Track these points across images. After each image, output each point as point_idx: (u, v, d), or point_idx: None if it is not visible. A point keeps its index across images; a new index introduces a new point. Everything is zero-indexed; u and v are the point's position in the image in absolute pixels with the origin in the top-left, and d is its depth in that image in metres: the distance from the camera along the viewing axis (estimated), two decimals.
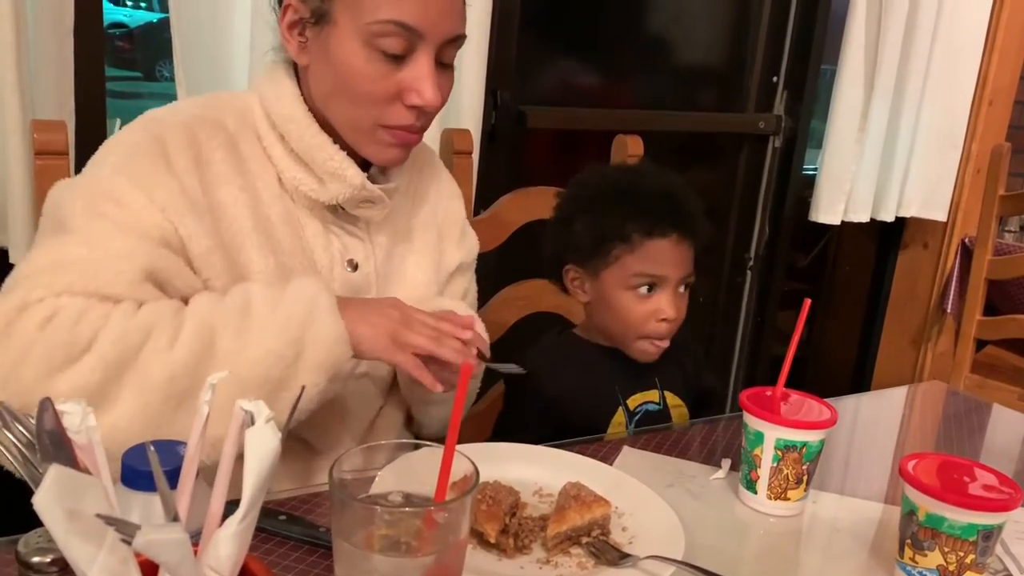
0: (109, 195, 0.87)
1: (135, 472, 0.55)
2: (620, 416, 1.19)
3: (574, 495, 0.85)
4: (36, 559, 0.53)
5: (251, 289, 0.88)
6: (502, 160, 1.88)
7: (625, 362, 1.21)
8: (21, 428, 0.50)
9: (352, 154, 0.98)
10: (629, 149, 1.68)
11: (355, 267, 1.03)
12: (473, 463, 0.63)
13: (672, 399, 1.24)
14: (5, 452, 0.50)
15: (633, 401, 1.21)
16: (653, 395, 1.23)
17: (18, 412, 0.51)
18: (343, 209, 1.01)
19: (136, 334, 0.80)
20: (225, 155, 0.95)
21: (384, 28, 0.89)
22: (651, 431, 1.12)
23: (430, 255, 1.12)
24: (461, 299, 1.18)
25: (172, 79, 1.47)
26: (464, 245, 1.19)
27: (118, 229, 0.86)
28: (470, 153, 1.48)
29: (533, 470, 0.94)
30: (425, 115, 0.96)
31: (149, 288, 0.86)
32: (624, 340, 1.21)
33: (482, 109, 1.74)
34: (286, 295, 0.87)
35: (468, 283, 1.21)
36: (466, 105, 1.72)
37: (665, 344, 1.19)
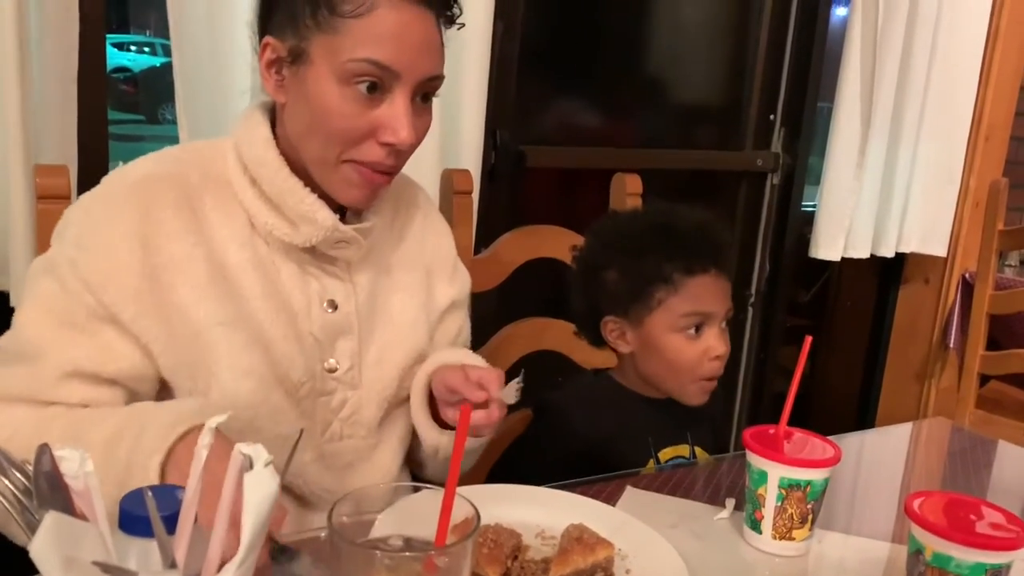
0: (52, 274, 0.91)
1: (133, 517, 0.55)
2: (651, 467, 1.17)
3: (577, 537, 0.84)
4: None
5: (121, 422, 0.85)
6: (502, 199, 1.89)
7: (661, 414, 1.20)
8: (18, 474, 0.49)
9: (325, 196, 0.98)
10: (628, 187, 1.68)
11: (335, 307, 1.02)
12: (474, 506, 0.62)
13: (701, 454, 1.23)
14: (2, 499, 0.49)
15: (665, 454, 1.20)
16: (684, 450, 1.22)
17: (15, 458, 0.51)
18: (320, 250, 1.01)
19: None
20: (176, 212, 0.94)
21: (360, 67, 0.90)
22: (652, 471, 1.11)
23: (417, 295, 1.11)
24: (455, 338, 1.18)
25: (175, 122, 1.48)
26: (456, 282, 1.18)
27: (49, 316, 0.90)
28: (470, 192, 1.49)
29: (535, 512, 0.93)
30: (398, 154, 0.96)
31: (74, 385, 0.89)
32: (678, 386, 1.19)
33: (482, 149, 1.75)
34: (122, 445, 0.82)
35: (462, 321, 1.20)
36: (466, 145, 1.73)
37: (713, 384, 1.19)
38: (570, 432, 1.16)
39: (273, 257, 0.99)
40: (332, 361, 1.02)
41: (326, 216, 0.97)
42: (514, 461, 1.26)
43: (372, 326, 1.06)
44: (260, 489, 0.50)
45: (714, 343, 1.15)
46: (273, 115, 1.00)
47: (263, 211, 0.97)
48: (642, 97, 2.33)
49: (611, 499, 0.99)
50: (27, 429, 0.86)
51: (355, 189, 0.97)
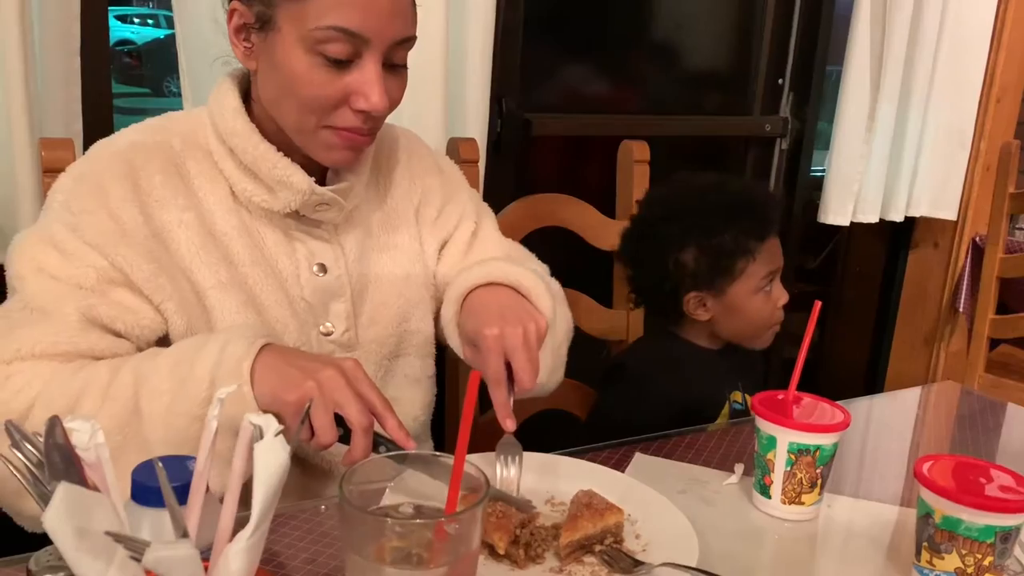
0: (49, 243, 0.90)
1: (145, 488, 0.55)
2: (727, 411, 1.32)
3: (586, 503, 0.84)
4: None
5: (176, 348, 0.86)
6: (508, 168, 1.88)
7: (728, 363, 1.35)
8: (30, 447, 0.50)
9: (303, 158, 0.97)
10: (635, 154, 1.68)
11: (324, 271, 1.02)
12: (484, 473, 0.63)
13: (749, 401, 1.32)
14: (15, 471, 0.50)
15: (734, 397, 1.35)
16: (738, 396, 1.36)
17: (27, 431, 0.51)
18: (303, 214, 1.01)
19: (66, 399, 0.82)
20: (165, 178, 0.95)
21: (327, 34, 0.88)
22: (662, 437, 1.11)
23: (407, 249, 1.10)
24: (468, 247, 1.15)
25: (179, 95, 1.48)
26: (443, 222, 1.15)
27: (56, 282, 0.89)
28: (476, 162, 1.48)
29: (545, 479, 0.94)
30: (373, 118, 0.95)
31: (95, 334, 0.88)
32: (756, 336, 1.34)
33: (487, 117, 1.74)
34: (204, 353, 0.83)
35: (466, 228, 1.16)
36: (471, 114, 1.72)
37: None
38: (657, 392, 1.27)
39: (257, 225, 0.99)
40: (328, 325, 1.03)
41: (301, 179, 0.96)
42: (594, 427, 1.34)
43: (364, 287, 1.06)
44: (271, 459, 0.51)
45: (780, 293, 1.31)
46: (246, 82, 1.00)
47: (242, 179, 0.97)
48: (649, 63, 2.31)
49: (620, 465, 1.00)
50: (63, 376, 0.84)
51: (336, 152, 0.96)
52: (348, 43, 0.89)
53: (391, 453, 0.76)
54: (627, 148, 1.69)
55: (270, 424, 0.52)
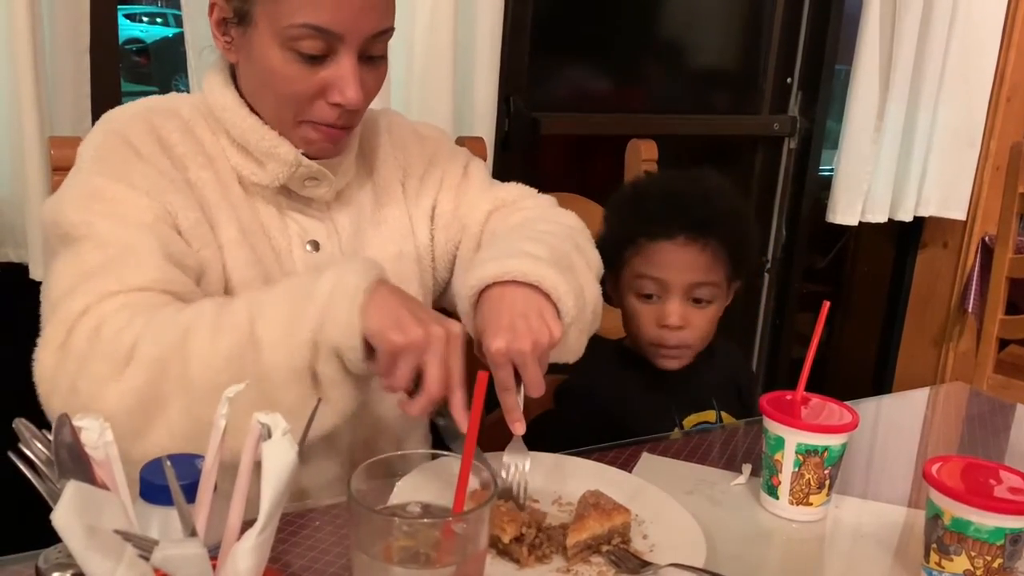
0: (95, 196, 0.89)
1: (153, 486, 0.55)
2: (676, 434, 1.16)
3: (593, 503, 0.84)
4: (56, 574, 0.53)
5: (289, 282, 0.86)
6: (516, 167, 1.87)
7: (683, 381, 1.21)
8: (39, 445, 0.50)
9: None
10: (643, 154, 1.67)
11: (317, 247, 1.03)
12: (492, 472, 0.63)
13: (728, 419, 1.24)
14: (25, 468, 0.50)
15: (689, 421, 1.21)
16: (710, 415, 1.23)
17: (36, 429, 0.51)
18: (293, 190, 1.01)
19: (174, 332, 0.80)
20: (182, 137, 0.97)
21: (300, 32, 0.89)
22: (667, 437, 1.11)
23: (398, 225, 1.10)
24: (485, 206, 1.12)
25: (188, 92, 1.48)
26: (427, 186, 1.13)
27: (118, 223, 0.88)
28: (485, 159, 1.48)
29: (552, 479, 0.94)
30: (349, 112, 0.95)
31: (172, 269, 0.88)
32: (643, 349, 1.20)
33: (495, 117, 1.74)
34: (321, 282, 0.82)
35: (479, 186, 1.14)
36: (479, 113, 1.72)
37: (678, 355, 1.18)
38: (596, 400, 1.17)
39: (252, 200, 1.01)
40: None
41: (287, 151, 0.97)
42: (538, 437, 1.26)
43: None
44: (278, 458, 0.51)
45: (668, 312, 1.15)
46: (231, 69, 1.01)
47: (234, 153, 0.98)
48: (657, 62, 2.30)
49: (627, 465, 1.00)
50: (167, 312, 0.83)
51: (315, 144, 0.98)
52: (321, 40, 0.90)
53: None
54: (635, 147, 1.68)
55: (278, 423, 0.52)
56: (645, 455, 1.04)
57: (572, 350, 0.96)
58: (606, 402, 1.19)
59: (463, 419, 0.77)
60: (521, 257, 0.89)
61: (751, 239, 1.25)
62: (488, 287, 0.89)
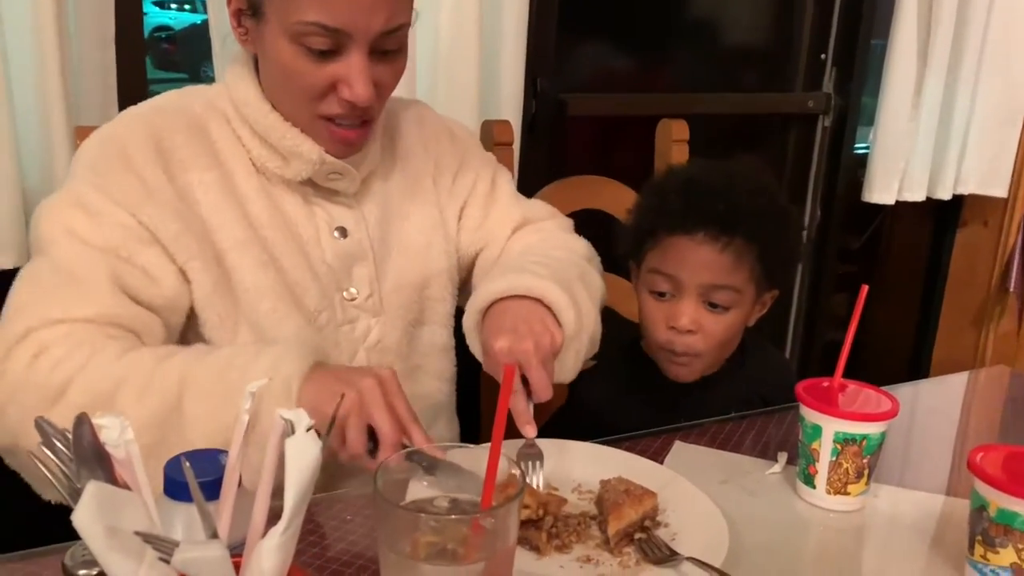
0: (76, 204, 0.91)
1: (177, 483, 0.55)
2: (711, 422, 1.11)
3: (623, 489, 0.83)
4: (82, 572, 0.53)
5: (227, 354, 0.86)
6: (543, 150, 1.85)
7: (690, 395, 1.14)
8: (60, 444, 0.49)
9: None
10: (674, 134, 1.64)
11: (345, 234, 1.03)
12: (519, 466, 0.61)
13: None
14: (44, 468, 0.50)
15: None
16: None
17: (59, 427, 0.51)
18: (318, 183, 1.01)
19: (107, 383, 0.82)
20: (187, 139, 0.97)
21: (308, 29, 0.88)
22: (701, 425, 1.09)
23: (427, 216, 1.10)
24: (511, 222, 1.14)
25: (214, 81, 1.48)
26: (459, 187, 1.15)
27: (79, 247, 0.89)
28: (510, 144, 1.46)
29: (574, 466, 0.93)
30: (363, 108, 0.94)
31: (123, 301, 0.88)
32: (653, 352, 1.15)
33: (522, 99, 1.72)
34: (256, 365, 0.83)
35: (505, 193, 1.17)
36: (505, 95, 1.70)
37: (687, 363, 1.11)
38: (596, 415, 1.12)
39: (276, 190, 1.00)
40: (353, 291, 1.03)
41: (310, 149, 0.97)
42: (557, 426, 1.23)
43: (386, 252, 1.07)
44: (302, 455, 0.50)
45: (677, 313, 1.08)
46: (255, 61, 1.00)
47: (258, 146, 0.98)
48: (687, 39, 2.26)
49: (659, 454, 0.98)
50: (105, 357, 0.83)
51: (330, 144, 0.97)
52: (329, 37, 0.89)
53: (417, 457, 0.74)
54: (665, 127, 1.65)
55: (301, 419, 0.51)
56: (677, 443, 1.02)
57: (568, 369, 1.00)
58: (606, 407, 1.14)
59: (432, 451, 0.75)
60: (525, 274, 0.96)
61: (789, 244, 1.15)
62: (493, 303, 0.95)
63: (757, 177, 1.13)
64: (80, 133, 1.14)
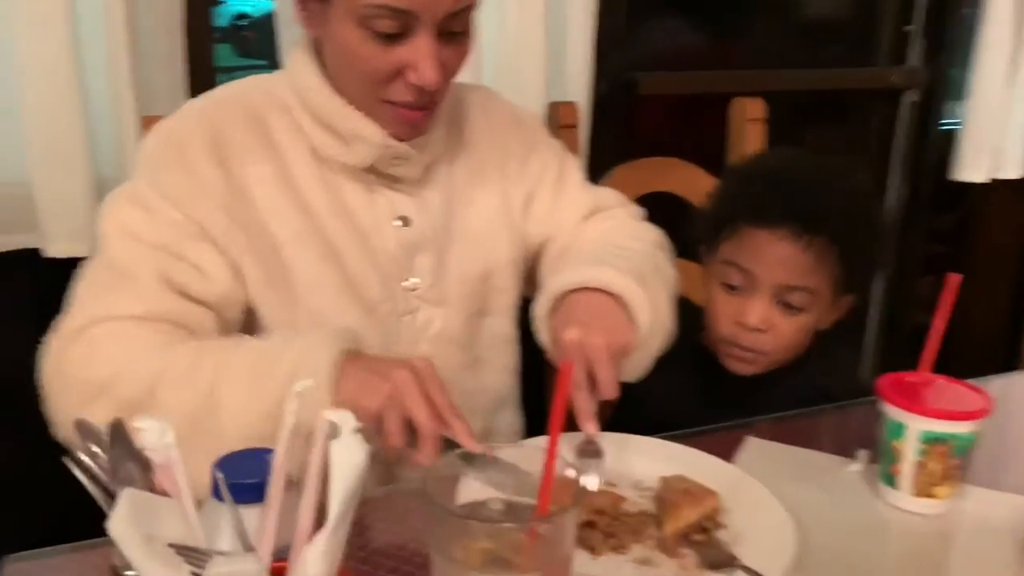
0: (133, 200, 0.93)
1: (227, 486, 0.53)
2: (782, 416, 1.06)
3: (683, 489, 0.80)
4: (129, 573, 0.52)
5: (259, 345, 0.85)
6: (613, 131, 1.80)
7: (751, 390, 1.09)
8: (96, 448, 0.49)
9: None
10: (748, 112, 1.59)
11: (407, 223, 1.01)
12: (576, 468, 0.58)
13: None
14: (81, 473, 0.49)
15: None
16: None
17: (97, 431, 0.50)
18: (379, 169, 1.00)
19: (147, 377, 0.83)
20: (245, 132, 0.97)
21: (374, 11, 0.86)
22: (775, 419, 1.03)
23: (493, 206, 1.08)
24: (580, 210, 1.12)
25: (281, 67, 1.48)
26: (526, 175, 1.12)
27: (138, 243, 0.91)
28: (576, 126, 1.43)
29: (634, 462, 0.89)
30: (430, 92, 0.92)
31: (172, 297, 0.90)
32: (714, 343, 1.11)
33: (589, 78, 1.67)
34: (289, 354, 0.82)
35: (573, 181, 1.15)
36: (572, 74, 1.65)
37: (752, 359, 1.07)
38: (649, 411, 1.06)
39: (337, 178, 0.99)
40: (415, 280, 1.02)
41: (373, 132, 0.95)
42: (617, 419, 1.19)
43: (449, 241, 1.05)
44: (348, 458, 0.48)
45: (748, 310, 1.03)
46: (317, 46, 0.99)
47: (320, 133, 0.97)
48: (762, 12, 2.18)
49: (729, 450, 0.93)
50: (147, 353, 0.85)
51: (395, 126, 0.96)
52: (397, 19, 0.87)
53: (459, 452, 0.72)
54: (739, 106, 1.59)
55: (347, 420, 0.49)
56: (749, 439, 0.97)
57: (637, 369, 0.96)
58: (661, 398, 1.08)
59: (472, 445, 0.73)
60: (602, 267, 0.92)
61: (875, 251, 1.10)
62: (566, 293, 0.92)
63: (851, 176, 1.08)
64: (147, 123, 1.15)
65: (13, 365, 1.01)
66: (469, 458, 0.66)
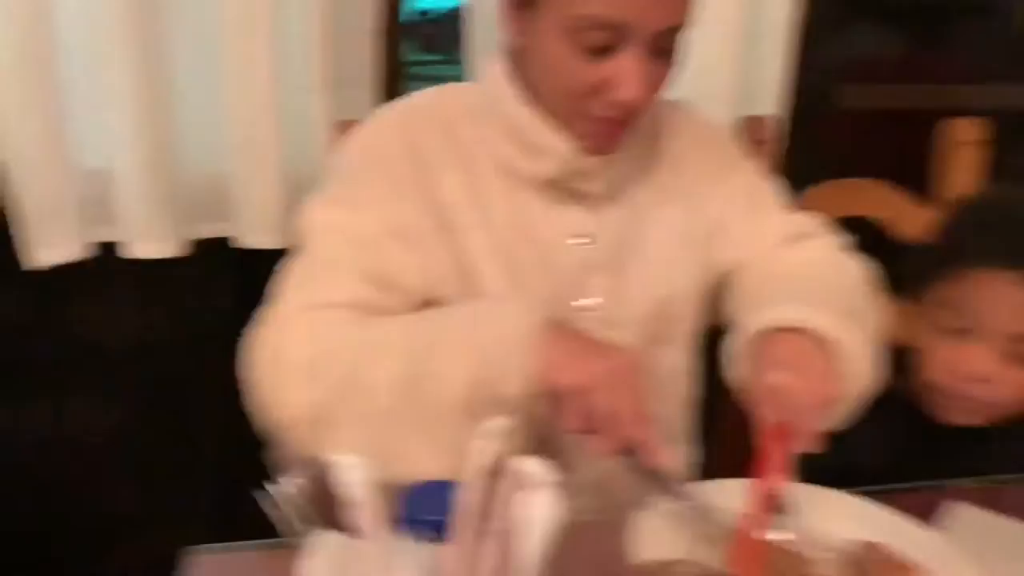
0: (332, 202, 0.96)
1: (411, 522, 0.52)
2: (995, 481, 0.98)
3: (877, 559, 0.72)
4: None
5: (460, 310, 0.89)
6: (809, 148, 1.70)
7: (978, 439, 1.00)
8: (298, 479, 0.48)
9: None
10: (961, 134, 1.46)
11: (585, 241, 0.99)
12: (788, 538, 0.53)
13: None
14: (268, 508, 0.48)
15: None
16: None
17: (306, 460, 0.49)
18: (563, 184, 0.98)
19: (355, 353, 0.85)
20: (438, 140, 0.98)
21: (586, 23, 0.84)
22: (990, 481, 0.93)
23: (677, 229, 1.04)
24: (777, 237, 1.06)
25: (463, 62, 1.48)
26: (719, 193, 1.06)
27: (339, 239, 0.94)
28: (768, 142, 1.35)
29: (825, 518, 0.81)
30: (631, 110, 0.90)
31: (369, 288, 0.92)
32: (926, 393, 1.02)
33: (785, 90, 1.58)
34: (493, 315, 0.85)
35: (769, 203, 1.09)
36: (766, 85, 1.57)
37: (977, 410, 0.97)
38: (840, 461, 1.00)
39: (521, 191, 0.99)
40: (587, 301, 1.00)
41: (562, 145, 0.94)
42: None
43: (626, 263, 1.02)
44: (544, 514, 0.45)
45: (970, 359, 0.95)
46: (515, 55, 0.99)
47: (506, 144, 0.97)
48: (981, 20, 2.00)
49: (925, 515, 0.84)
50: (353, 328, 0.89)
51: (590, 139, 0.94)
52: (608, 32, 0.85)
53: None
54: (950, 126, 1.47)
55: (544, 473, 0.46)
56: (953, 503, 0.88)
57: (838, 421, 0.87)
58: (846, 453, 0.99)
59: (662, 458, 0.70)
60: (810, 307, 0.86)
61: None
62: (768, 332, 0.86)
63: None
64: (340, 127, 1.17)
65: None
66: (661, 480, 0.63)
